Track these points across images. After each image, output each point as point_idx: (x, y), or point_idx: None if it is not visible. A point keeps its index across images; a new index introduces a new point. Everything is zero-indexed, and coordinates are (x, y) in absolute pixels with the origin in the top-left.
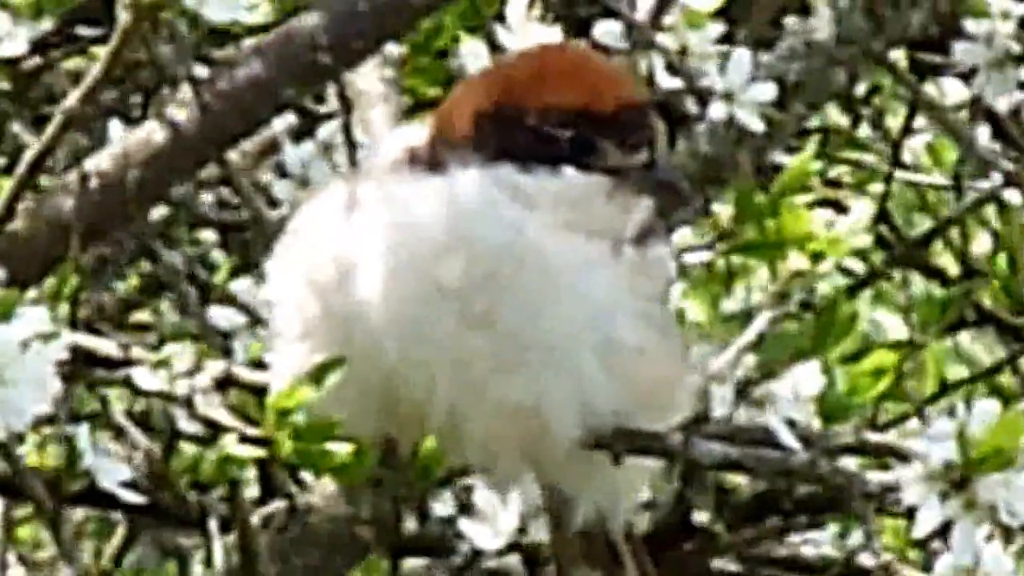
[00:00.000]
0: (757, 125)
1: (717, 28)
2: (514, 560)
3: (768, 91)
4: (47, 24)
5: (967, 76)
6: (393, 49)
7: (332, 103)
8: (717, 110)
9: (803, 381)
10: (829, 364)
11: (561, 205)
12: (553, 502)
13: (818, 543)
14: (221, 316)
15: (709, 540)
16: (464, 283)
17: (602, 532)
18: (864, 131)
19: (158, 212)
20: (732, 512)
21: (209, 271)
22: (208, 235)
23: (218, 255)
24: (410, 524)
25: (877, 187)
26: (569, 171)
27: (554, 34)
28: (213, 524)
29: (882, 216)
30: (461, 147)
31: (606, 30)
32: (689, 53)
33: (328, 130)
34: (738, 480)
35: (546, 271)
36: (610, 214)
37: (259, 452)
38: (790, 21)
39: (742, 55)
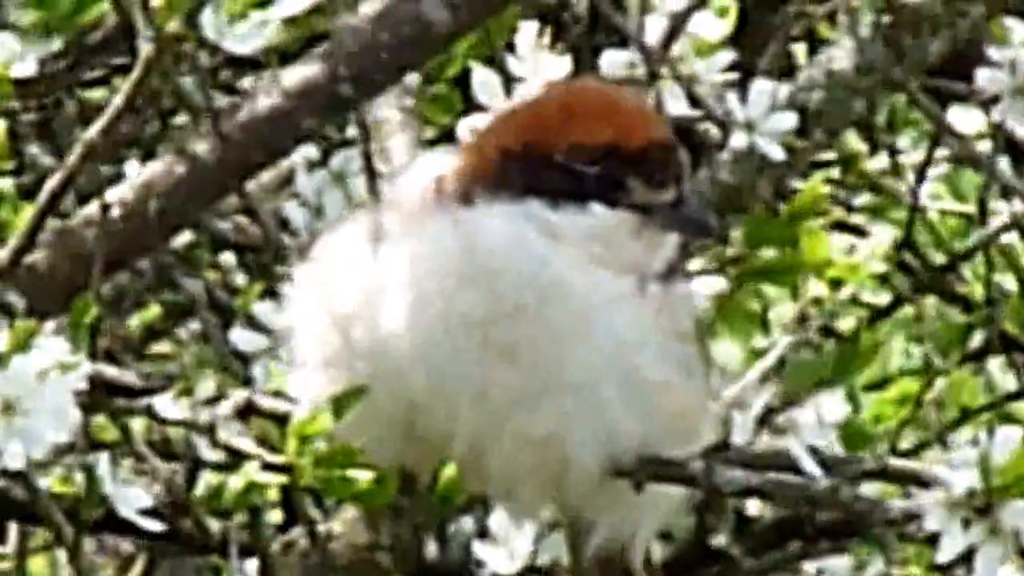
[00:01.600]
0: (778, 154)
1: (726, 57)
2: None
3: (789, 120)
4: (56, 44)
5: (986, 104)
6: (412, 79)
7: (350, 130)
8: (738, 139)
9: (827, 408)
10: (854, 391)
11: (588, 241)
12: (573, 529)
13: (835, 573)
14: (243, 339)
15: (729, 567)
16: (489, 316)
17: (621, 559)
18: (883, 159)
19: (178, 238)
20: (752, 539)
21: (231, 294)
22: (228, 257)
23: (239, 279)
24: (430, 550)
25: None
26: (597, 207)
27: (564, 64)
28: (234, 551)
29: (906, 243)
30: (490, 182)
31: (613, 60)
32: (697, 82)
33: (341, 159)
34: (759, 506)
35: (571, 307)
36: (637, 250)
37: (281, 479)
38: (800, 49)
39: (762, 85)
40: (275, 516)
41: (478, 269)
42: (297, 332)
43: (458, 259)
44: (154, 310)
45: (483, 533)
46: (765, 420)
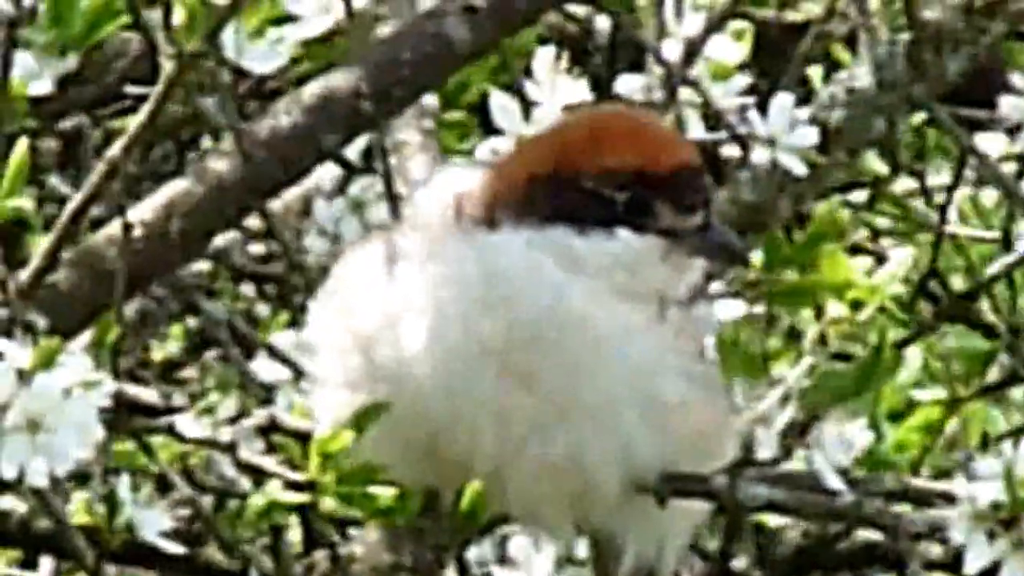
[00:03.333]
0: (800, 169)
1: (742, 80)
2: None
3: (811, 135)
4: (72, 62)
5: (1010, 131)
6: (431, 100)
7: (368, 158)
8: (760, 155)
9: (851, 435)
10: (876, 419)
11: (614, 268)
12: (598, 549)
13: None
14: (264, 369)
15: None
16: (507, 345)
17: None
18: (904, 182)
19: (199, 266)
20: (773, 566)
21: (253, 325)
22: (248, 289)
23: (261, 309)
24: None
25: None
26: (624, 233)
27: (582, 88)
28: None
29: (932, 270)
30: (515, 207)
31: (630, 84)
32: (715, 104)
33: (359, 187)
34: (780, 531)
35: (587, 337)
36: (663, 276)
37: (303, 497)
38: (815, 72)
39: (784, 100)
40: (295, 539)
41: (497, 297)
42: (318, 351)
43: (478, 285)
44: (175, 337)
45: (503, 559)
46: (787, 436)
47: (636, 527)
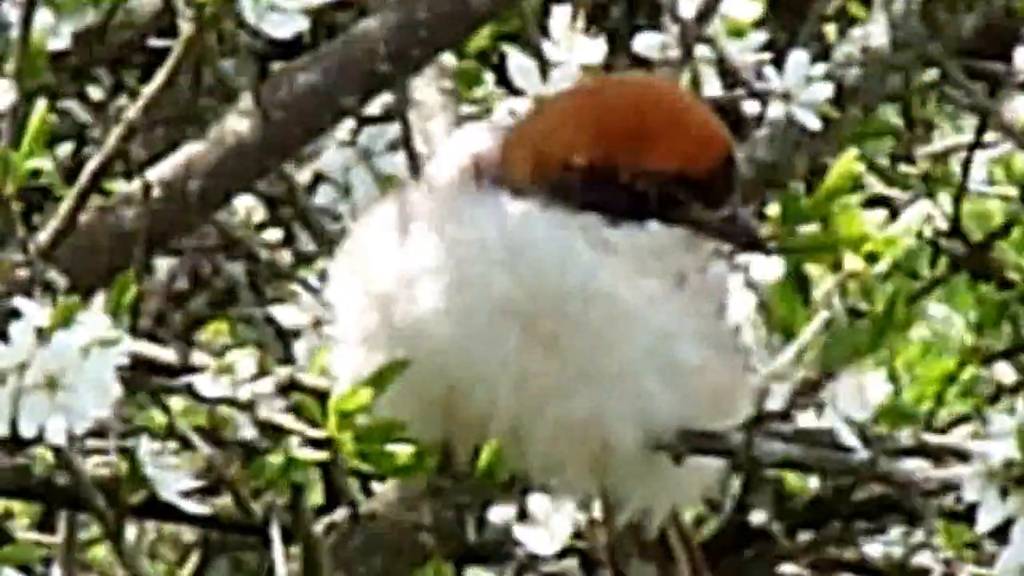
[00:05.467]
0: (814, 123)
1: (758, 37)
2: (572, 563)
3: (826, 90)
4: (91, 18)
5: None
6: (450, 60)
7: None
8: (775, 110)
9: (869, 387)
10: (895, 371)
11: (642, 254)
12: (610, 502)
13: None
14: (285, 315)
15: (768, 546)
16: (531, 309)
17: (658, 535)
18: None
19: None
20: (789, 518)
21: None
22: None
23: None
24: (471, 532)
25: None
26: (654, 225)
27: (599, 47)
28: (275, 531)
29: (955, 226)
30: (546, 184)
31: (647, 42)
32: (731, 61)
33: (368, 136)
34: (796, 486)
35: (614, 309)
36: (686, 260)
37: (322, 455)
38: (831, 29)
39: (799, 55)
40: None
41: (525, 266)
42: (338, 309)
43: (501, 250)
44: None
45: (522, 515)
46: (802, 392)
47: (650, 483)
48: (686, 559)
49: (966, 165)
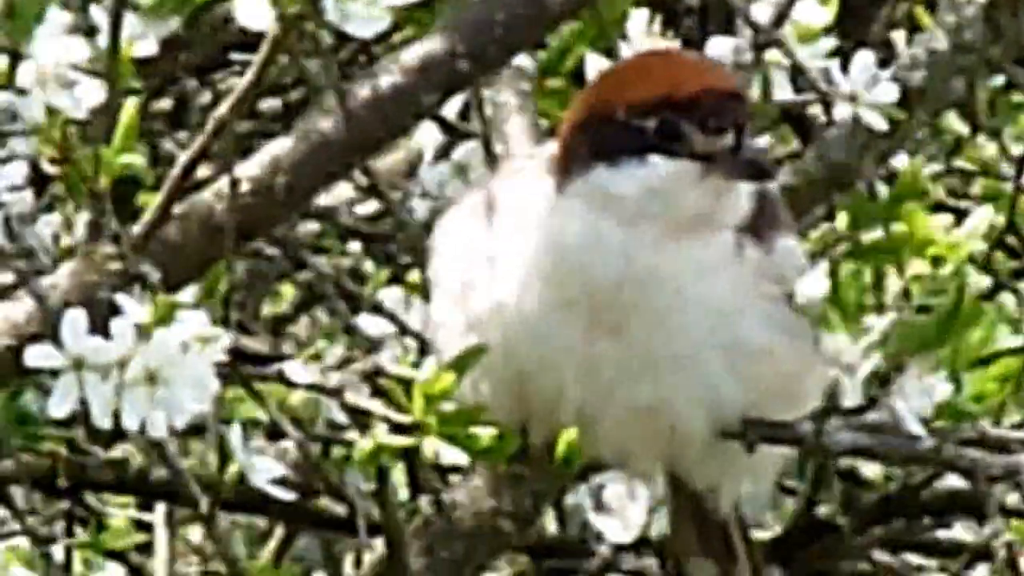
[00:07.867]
0: (881, 125)
1: (828, 42)
2: (651, 562)
3: (892, 91)
4: (175, 23)
5: None
6: (529, 62)
7: (474, 123)
8: (842, 111)
9: (932, 385)
10: (957, 370)
11: (649, 195)
12: (676, 493)
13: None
14: (370, 324)
15: (837, 541)
16: (590, 300)
17: (717, 524)
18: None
19: (309, 226)
20: (857, 515)
21: (359, 283)
22: (355, 246)
23: (367, 267)
24: (550, 525)
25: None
26: (654, 158)
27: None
28: (361, 521)
29: (1010, 227)
30: (568, 157)
31: (719, 46)
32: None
33: (464, 151)
34: (865, 481)
35: (661, 285)
36: (700, 200)
37: (408, 440)
38: (898, 35)
39: (866, 57)
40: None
41: (568, 266)
42: (435, 294)
43: (548, 247)
44: (285, 296)
45: (599, 505)
46: (872, 384)
47: (722, 471)
48: (746, 557)
49: (1021, 161)
